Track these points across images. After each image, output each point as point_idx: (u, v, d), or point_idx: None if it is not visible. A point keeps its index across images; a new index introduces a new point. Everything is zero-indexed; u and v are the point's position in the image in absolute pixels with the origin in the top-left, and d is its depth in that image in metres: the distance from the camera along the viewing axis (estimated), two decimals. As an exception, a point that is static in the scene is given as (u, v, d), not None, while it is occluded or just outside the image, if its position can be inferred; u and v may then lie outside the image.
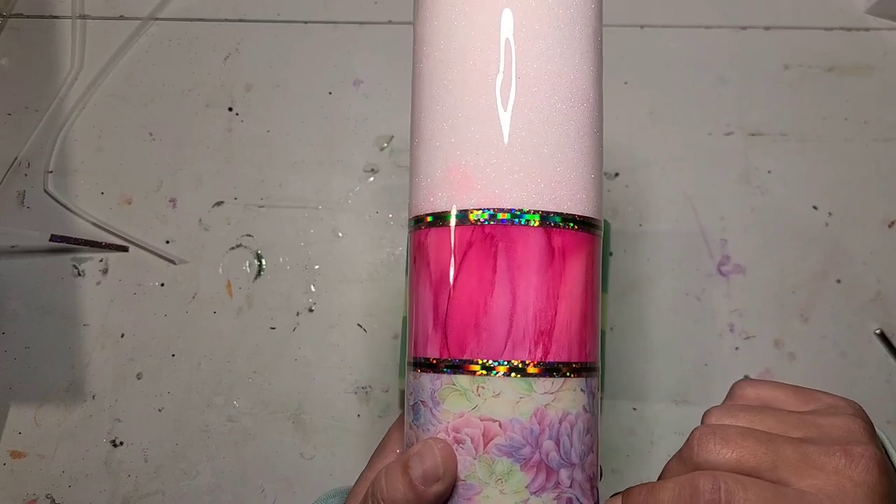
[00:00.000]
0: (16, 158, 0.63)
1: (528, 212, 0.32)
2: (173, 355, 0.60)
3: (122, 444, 0.58)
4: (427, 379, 0.33)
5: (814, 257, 0.61)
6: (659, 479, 0.32)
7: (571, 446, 0.32)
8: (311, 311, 0.60)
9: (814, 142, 0.63)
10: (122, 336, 0.60)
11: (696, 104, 0.63)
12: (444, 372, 0.32)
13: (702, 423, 0.32)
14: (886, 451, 0.31)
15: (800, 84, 0.64)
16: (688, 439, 0.30)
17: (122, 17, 0.66)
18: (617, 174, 0.62)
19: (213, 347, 0.60)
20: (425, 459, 0.30)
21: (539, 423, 0.31)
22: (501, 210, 0.32)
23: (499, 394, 0.31)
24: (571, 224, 0.32)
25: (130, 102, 0.64)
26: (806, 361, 0.59)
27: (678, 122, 0.63)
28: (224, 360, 0.60)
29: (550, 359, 0.32)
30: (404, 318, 0.56)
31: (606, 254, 0.59)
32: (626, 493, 0.31)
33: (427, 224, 0.34)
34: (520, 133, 0.32)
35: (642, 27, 0.65)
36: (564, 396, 0.32)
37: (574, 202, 0.32)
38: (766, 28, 0.65)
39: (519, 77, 0.33)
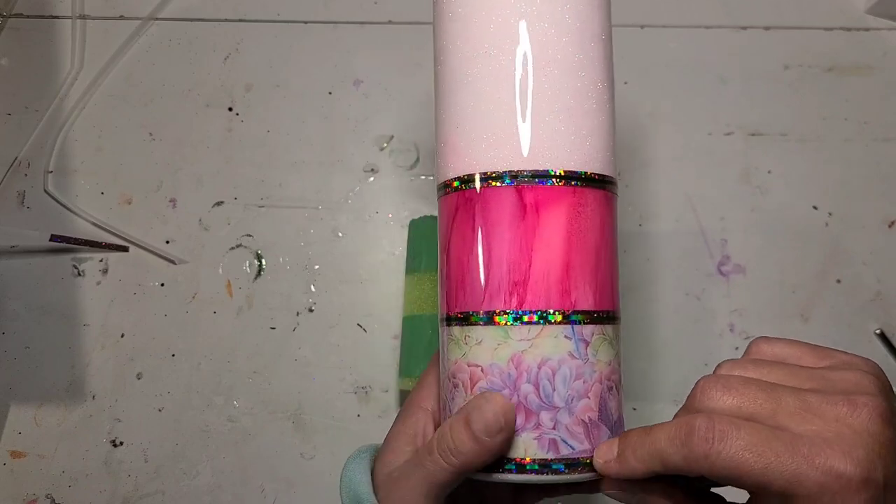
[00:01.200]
0: (16, 158, 0.63)
1: (501, 174, 0.35)
2: (173, 355, 0.60)
3: (122, 444, 0.58)
4: (442, 332, 0.37)
5: (814, 257, 0.61)
6: None
7: (554, 390, 0.33)
8: (311, 311, 0.60)
9: (814, 142, 0.63)
10: (122, 336, 0.60)
11: (696, 104, 0.63)
12: (446, 325, 0.36)
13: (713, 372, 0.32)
14: None
15: (800, 84, 0.64)
16: (693, 389, 0.31)
17: (122, 17, 0.66)
18: (617, 174, 0.62)
19: (213, 347, 0.60)
20: (485, 413, 0.32)
21: (516, 368, 0.34)
22: (485, 175, 0.35)
23: (480, 341, 0.34)
24: (549, 180, 0.35)
25: (130, 102, 0.64)
26: (806, 361, 0.59)
27: (678, 122, 0.63)
28: (224, 360, 0.60)
29: (526, 307, 0.34)
30: (404, 318, 0.56)
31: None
32: (624, 435, 0.32)
33: (439, 196, 0.37)
34: (491, 100, 0.35)
35: (642, 27, 0.65)
36: (542, 343, 0.34)
37: (555, 158, 0.35)
38: (766, 28, 0.65)
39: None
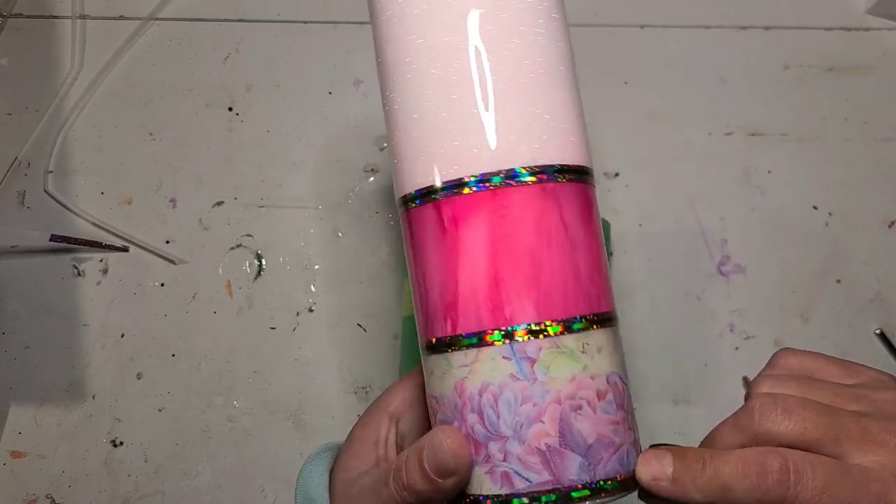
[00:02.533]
0: (16, 158, 0.63)
1: (419, 193, 0.32)
2: (173, 355, 0.60)
3: (122, 444, 0.59)
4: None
5: (814, 257, 0.61)
6: (705, 444, 0.31)
7: (499, 418, 0.30)
8: (311, 311, 0.60)
9: (814, 142, 0.63)
10: (122, 336, 0.60)
11: (696, 104, 0.63)
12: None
13: (751, 391, 0.31)
14: None
15: (800, 84, 0.64)
16: (745, 406, 0.29)
17: (122, 17, 0.66)
18: (617, 174, 0.62)
19: (213, 347, 0.60)
20: (437, 453, 0.29)
21: (460, 397, 0.30)
22: (406, 196, 0.32)
23: (432, 372, 0.32)
24: (466, 189, 0.31)
25: (130, 102, 0.64)
26: (806, 361, 0.59)
27: (678, 122, 0.63)
28: (224, 360, 0.60)
29: (459, 331, 0.30)
30: (404, 318, 0.56)
31: (607, 253, 0.59)
32: (678, 454, 0.29)
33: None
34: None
35: (642, 27, 0.65)
36: (481, 367, 0.30)
37: (467, 164, 0.31)
38: (766, 28, 0.65)
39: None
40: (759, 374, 0.32)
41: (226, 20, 0.66)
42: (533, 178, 0.30)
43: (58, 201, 0.62)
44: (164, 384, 0.59)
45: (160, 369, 0.59)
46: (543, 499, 0.29)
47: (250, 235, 0.62)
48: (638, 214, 0.61)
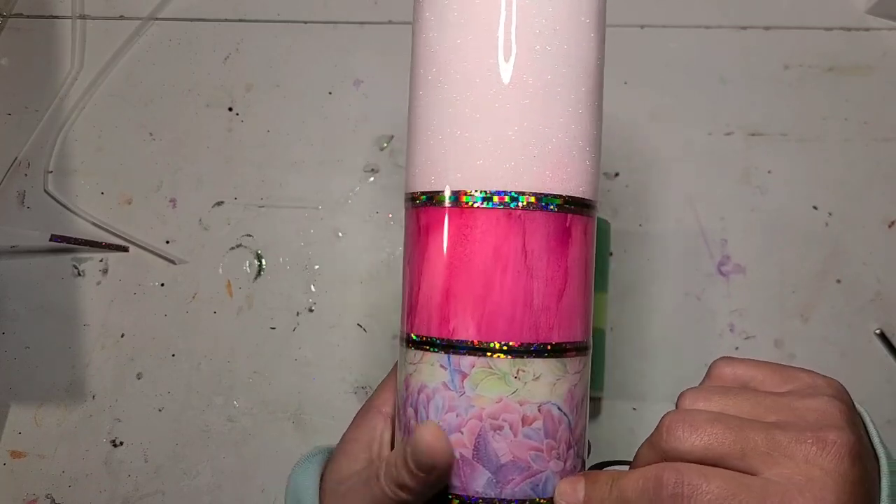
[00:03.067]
0: (16, 158, 0.63)
1: (409, 196, 0.34)
2: (173, 355, 0.60)
3: (122, 444, 0.58)
4: None
5: (814, 257, 0.61)
6: (631, 464, 0.31)
7: (427, 418, 0.32)
8: (311, 311, 0.60)
9: (814, 142, 0.63)
10: (122, 336, 0.60)
11: (696, 104, 0.63)
12: None
13: (676, 405, 0.31)
14: (867, 430, 0.30)
15: (800, 84, 0.64)
16: (658, 424, 0.30)
17: (122, 17, 0.66)
18: (617, 174, 0.62)
19: (213, 347, 0.60)
20: (415, 450, 0.30)
21: (406, 390, 0.33)
22: (405, 196, 0.35)
23: (399, 360, 0.35)
24: (441, 202, 0.32)
25: (130, 102, 0.64)
26: (806, 361, 0.59)
27: (678, 122, 0.63)
28: (224, 360, 0.60)
29: (413, 332, 0.33)
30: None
31: (606, 254, 0.59)
32: (591, 479, 0.30)
33: None
34: None
35: (642, 27, 0.65)
36: (422, 369, 0.32)
37: (445, 179, 0.32)
38: (766, 28, 0.65)
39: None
40: (688, 388, 0.32)
41: (226, 20, 0.66)
42: (501, 203, 0.31)
43: (58, 201, 0.62)
44: (164, 384, 0.59)
45: (160, 369, 0.59)
46: (455, 501, 0.31)
47: (250, 235, 0.62)
48: (638, 214, 0.61)
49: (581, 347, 0.32)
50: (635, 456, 0.31)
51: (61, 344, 0.60)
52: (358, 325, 0.60)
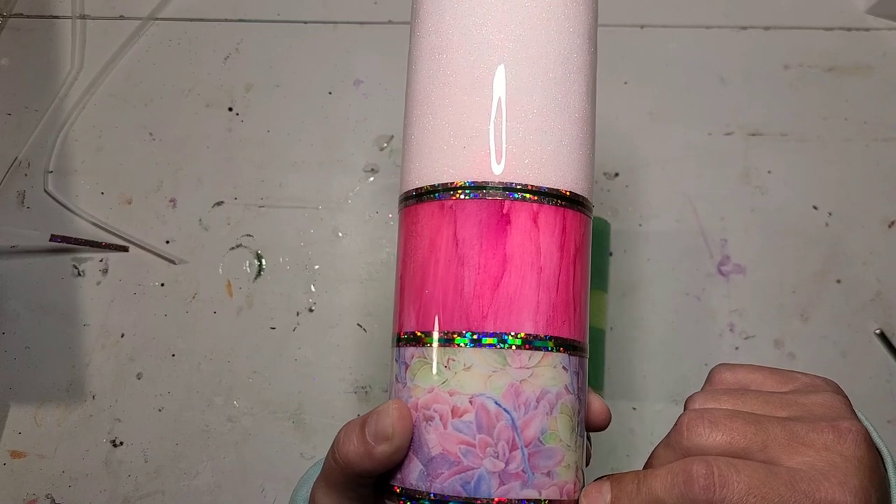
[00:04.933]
0: (16, 158, 0.63)
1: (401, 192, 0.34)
2: (173, 355, 0.60)
3: (122, 444, 0.58)
4: None
5: (814, 257, 0.61)
6: (646, 466, 0.31)
7: None
8: (311, 311, 0.60)
9: (814, 142, 0.63)
10: (122, 336, 0.60)
11: (696, 104, 0.63)
12: None
13: (685, 409, 0.31)
14: (870, 431, 0.31)
15: (800, 84, 0.64)
16: (675, 425, 0.30)
17: (122, 17, 0.66)
18: (617, 174, 0.62)
19: (213, 347, 0.60)
20: (379, 418, 0.30)
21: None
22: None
23: None
24: (407, 201, 0.33)
25: (130, 102, 0.64)
26: (806, 361, 0.59)
27: (678, 122, 0.63)
28: (224, 360, 0.60)
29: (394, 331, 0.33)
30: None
31: (606, 254, 0.59)
32: (616, 480, 0.30)
33: None
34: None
35: (642, 27, 0.65)
36: (390, 363, 0.33)
37: (414, 178, 0.32)
38: (766, 28, 0.65)
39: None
40: (694, 392, 0.32)
41: (226, 20, 0.66)
42: (428, 198, 0.32)
43: (58, 201, 0.62)
44: (164, 384, 0.59)
45: (160, 369, 0.59)
46: (398, 494, 0.30)
47: (250, 235, 0.62)
48: (638, 214, 0.61)
49: (533, 342, 0.30)
50: (650, 458, 0.31)
51: (61, 344, 0.60)
52: (358, 325, 0.60)
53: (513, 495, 0.29)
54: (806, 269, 0.61)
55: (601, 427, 0.34)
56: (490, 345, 0.30)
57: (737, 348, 0.59)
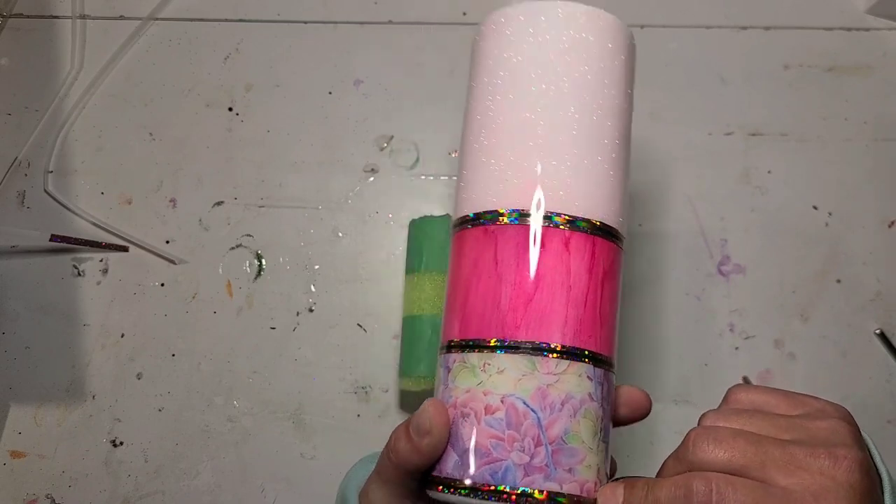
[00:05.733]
0: (16, 158, 0.63)
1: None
2: (173, 355, 0.60)
3: (122, 444, 0.59)
4: None
5: (814, 257, 0.61)
6: (657, 475, 0.33)
7: None
8: (311, 311, 0.60)
9: (814, 142, 0.63)
10: (122, 336, 0.60)
11: (696, 104, 0.63)
12: None
13: (699, 424, 0.34)
14: (871, 454, 0.33)
15: (800, 84, 0.64)
16: (684, 439, 0.32)
17: (122, 17, 0.66)
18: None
19: (213, 347, 0.60)
20: (420, 415, 0.34)
21: None
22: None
23: None
24: (457, 227, 0.38)
25: (130, 102, 0.64)
26: (806, 361, 0.59)
27: (678, 122, 0.63)
28: (224, 360, 0.60)
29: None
30: (404, 318, 0.56)
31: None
32: (629, 485, 0.33)
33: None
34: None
35: (642, 27, 0.65)
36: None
37: (466, 205, 0.37)
38: (766, 28, 0.65)
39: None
40: (708, 410, 0.35)
41: (226, 20, 0.66)
42: (473, 224, 0.36)
43: (58, 201, 0.62)
44: (164, 384, 0.59)
45: (160, 369, 0.59)
46: (436, 482, 0.34)
47: (250, 235, 0.62)
48: (638, 214, 0.61)
49: (560, 351, 0.34)
50: (661, 468, 0.34)
51: (61, 344, 0.60)
52: (358, 325, 0.60)
53: (536, 486, 0.32)
54: (806, 269, 0.61)
55: (644, 414, 0.38)
56: (521, 352, 0.34)
57: (737, 348, 0.59)
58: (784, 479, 0.30)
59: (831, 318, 0.60)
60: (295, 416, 0.59)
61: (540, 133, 0.36)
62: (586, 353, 0.34)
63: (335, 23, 0.65)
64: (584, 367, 0.34)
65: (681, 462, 0.32)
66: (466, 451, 0.33)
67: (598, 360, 0.35)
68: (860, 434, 0.32)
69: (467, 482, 0.33)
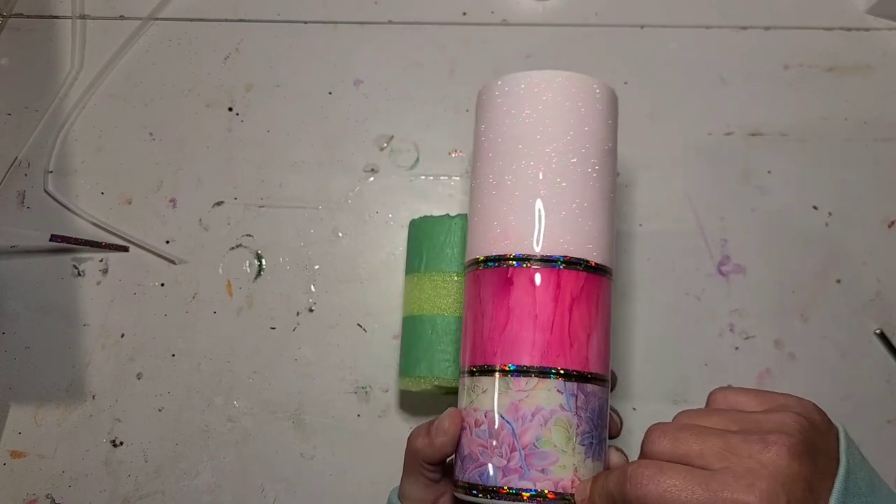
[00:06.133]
0: (16, 158, 0.63)
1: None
2: (173, 355, 0.60)
3: (122, 444, 0.59)
4: None
5: (814, 257, 0.61)
6: None
7: None
8: (311, 311, 0.60)
9: (814, 142, 0.63)
10: (122, 336, 0.60)
11: (696, 104, 0.63)
12: None
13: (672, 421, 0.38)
14: (840, 448, 0.35)
15: (800, 84, 0.64)
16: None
17: (122, 17, 0.66)
18: (617, 174, 0.62)
19: (213, 347, 0.60)
20: (441, 419, 0.41)
21: None
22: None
23: None
24: (467, 269, 0.44)
25: (130, 102, 0.64)
26: (806, 361, 0.59)
27: (678, 122, 0.63)
28: (224, 360, 0.60)
29: None
30: (404, 318, 0.56)
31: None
32: (594, 478, 0.38)
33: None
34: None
35: (642, 27, 0.65)
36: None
37: (469, 252, 0.44)
38: (766, 28, 0.65)
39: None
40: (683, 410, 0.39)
41: (226, 20, 0.66)
42: (470, 268, 0.43)
43: (58, 201, 0.62)
44: (164, 384, 0.59)
45: (160, 369, 0.59)
46: (454, 482, 0.41)
47: (250, 235, 0.62)
48: (638, 214, 0.61)
49: (529, 371, 0.39)
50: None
51: (61, 344, 0.60)
52: (358, 325, 0.60)
53: (512, 485, 0.38)
54: (806, 269, 0.61)
55: (613, 433, 0.43)
56: (497, 374, 0.40)
57: (737, 348, 0.59)
58: (717, 464, 0.33)
59: (831, 318, 0.60)
60: (295, 416, 0.59)
61: (508, 191, 0.42)
62: (553, 370, 0.39)
63: (335, 23, 0.65)
64: (553, 383, 0.39)
65: (641, 453, 0.36)
66: (464, 457, 0.40)
67: (570, 376, 0.39)
68: (818, 427, 0.34)
69: (464, 482, 0.40)
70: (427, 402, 0.59)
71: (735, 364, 0.59)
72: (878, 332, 0.59)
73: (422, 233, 0.55)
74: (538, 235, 0.41)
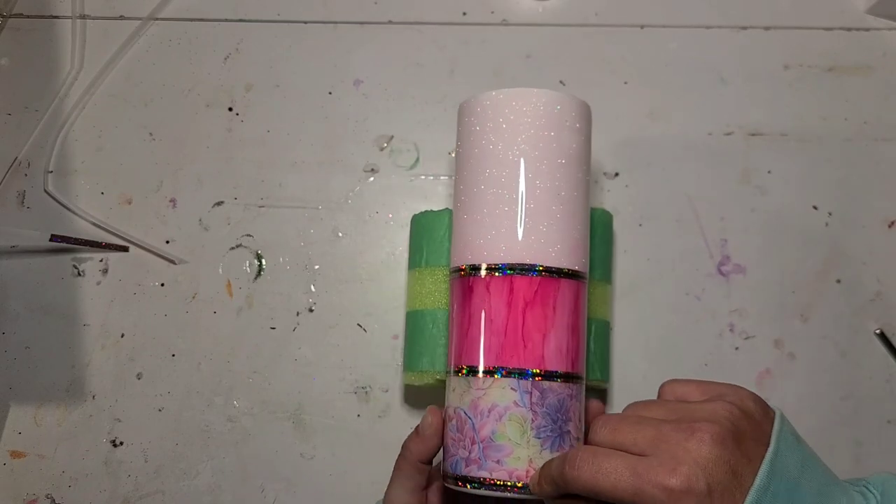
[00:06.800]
0: (16, 158, 0.63)
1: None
2: (173, 355, 0.60)
3: (122, 444, 0.59)
4: None
5: (814, 257, 0.61)
6: None
7: None
8: (311, 311, 0.60)
9: (814, 142, 0.63)
10: (122, 336, 0.60)
11: (696, 104, 0.63)
12: None
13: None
14: (773, 431, 0.37)
15: (800, 84, 0.64)
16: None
17: (122, 17, 0.66)
18: (617, 174, 0.62)
19: (213, 347, 0.60)
20: (424, 418, 0.45)
21: None
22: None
23: None
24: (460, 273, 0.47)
25: (130, 102, 0.64)
26: (806, 361, 0.59)
27: (678, 122, 0.63)
28: (224, 360, 0.60)
29: None
30: (407, 314, 0.56)
31: (610, 244, 0.59)
32: (545, 465, 0.41)
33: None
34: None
35: (642, 27, 0.65)
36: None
37: (458, 256, 0.47)
38: (766, 28, 0.65)
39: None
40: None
41: (226, 20, 0.66)
42: (451, 277, 0.47)
43: (58, 201, 0.62)
44: (164, 384, 0.59)
45: (160, 369, 0.59)
46: (441, 472, 0.46)
47: (250, 235, 0.62)
48: (638, 214, 0.61)
49: (486, 371, 0.43)
50: None
51: (61, 344, 0.60)
52: (358, 325, 0.60)
53: (472, 473, 0.42)
54: (806, 269, 0.61)
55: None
56: (461, 374, 0.44)
57: (737, 348, 0.59)
58: (650, 451, 0.36)
59: (831, 318, 0.60)
60: (295, 416, 0.59)
61: (470, 205, 0.46)
62: (507, 369, 0.43)
63: (335, 23, 0.65)
64: (507, 381, 0.43)
65: (585, 442, 0.40)
66: (445, 448, 0.45)
67: (523, 374, 0.42)
68: (750, 415, 0.37)
69: (443, 471, 0.45)
70: (427, 402, 0.59)
71: (735, 364, 0.59)
72: (878, 332, 0.59)
73: (422, 228, 0.55)
74: (492, 246, 0.45)
